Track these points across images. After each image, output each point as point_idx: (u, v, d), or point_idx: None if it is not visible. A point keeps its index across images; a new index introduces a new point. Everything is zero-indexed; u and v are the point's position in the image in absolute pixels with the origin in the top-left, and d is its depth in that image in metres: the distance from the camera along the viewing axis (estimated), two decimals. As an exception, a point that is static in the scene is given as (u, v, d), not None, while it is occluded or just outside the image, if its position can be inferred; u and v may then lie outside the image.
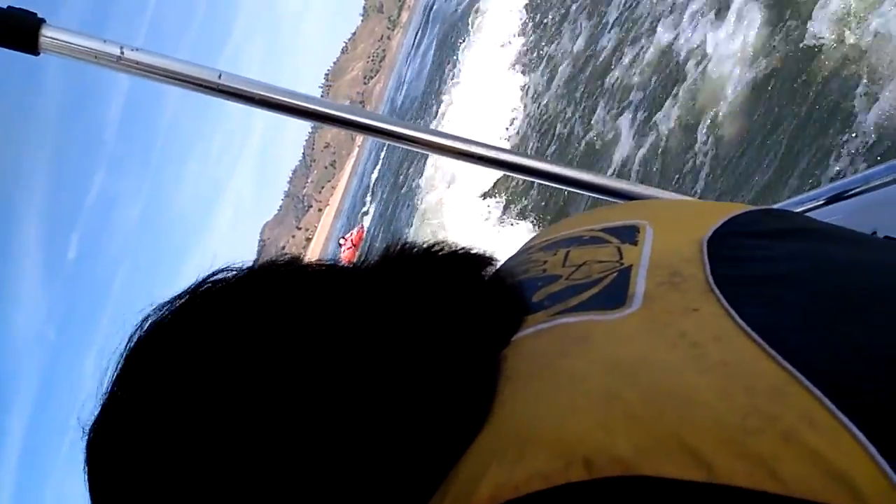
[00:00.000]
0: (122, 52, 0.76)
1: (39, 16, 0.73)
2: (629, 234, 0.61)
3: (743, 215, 0.62)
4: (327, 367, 0.45)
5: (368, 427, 0.44)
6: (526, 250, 0.69)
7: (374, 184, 33.15)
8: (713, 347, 0.43)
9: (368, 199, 32.84)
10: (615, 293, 0.52)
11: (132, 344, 0.51)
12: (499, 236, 9.86)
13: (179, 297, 0.52)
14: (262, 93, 0.83)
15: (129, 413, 0.48)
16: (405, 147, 1.00)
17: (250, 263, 0.54)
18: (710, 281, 0.50)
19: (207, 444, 0.45)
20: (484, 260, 0.58)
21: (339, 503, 0.43)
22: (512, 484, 0.38)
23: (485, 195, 11.62)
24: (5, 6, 0.69)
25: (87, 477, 0.50)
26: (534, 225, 9.17)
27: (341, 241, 29.56)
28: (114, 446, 0.48)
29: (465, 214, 12.06)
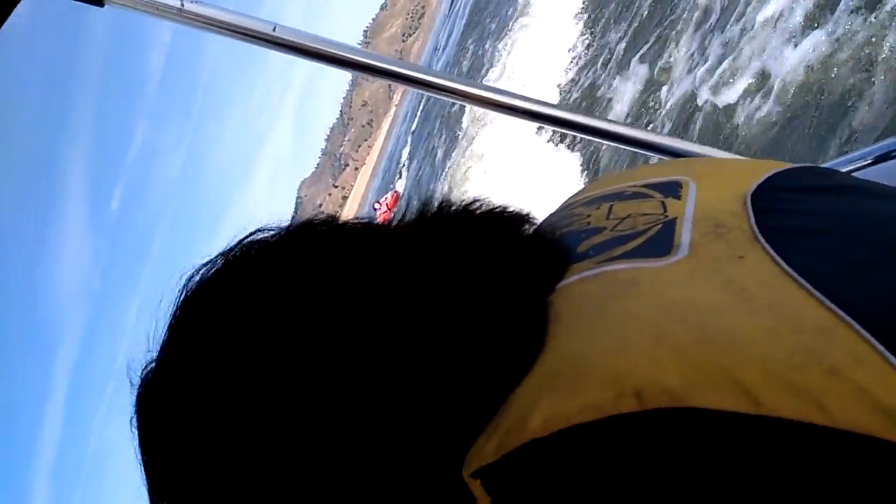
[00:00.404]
0: (182, 4, 0.77)
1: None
2: (672, 189, 0.62)
3: (785, 171, 0.62)
4: (375, 314, 0.46)
5: (422, 366, 0.45)
6: (567, 206, 0.69)
7: (410, 145, 32.98)
8: (760, 292, 0.44)
9: (405, 159, 32.74)
10: (661, 242, 0.53)
11: (177, 305, 0.51)
12: (536, 202, 9.80)
13: (221, 255, 0.52)
14: (314, 45, 0.84)
15: (177, 374, 0.49)
16: (448, 98, 1.00)
17: (287, 223, 0.54)
18: (756, 231, 0.51)
19: (257, 401, 0.46)
20: (522, 217, 0.58)
21: (396, 437, 0.44)
22: (564, 414, 0.40)
23: (523, 162, 11.47)
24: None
25: (136, 432, 0.51)
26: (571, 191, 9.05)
27: (376, 206, 29.68)
28: (162, 407, 0.50)
29: (501, 178, 11.96)
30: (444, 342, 0.46)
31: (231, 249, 0.53)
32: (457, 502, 0.44)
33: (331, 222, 0.53)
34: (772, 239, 0.50)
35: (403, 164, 32.21)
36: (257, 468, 0.46)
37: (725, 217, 0.54)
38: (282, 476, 0.46)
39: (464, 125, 16.69)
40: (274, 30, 0.81)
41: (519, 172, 11.22)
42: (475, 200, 0.56)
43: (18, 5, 0.74)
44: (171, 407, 0.49)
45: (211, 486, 0.48)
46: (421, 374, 0.45)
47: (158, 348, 0.51)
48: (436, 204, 0.55)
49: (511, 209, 0.57)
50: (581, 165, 9.10)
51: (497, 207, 0.57)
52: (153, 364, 0.51)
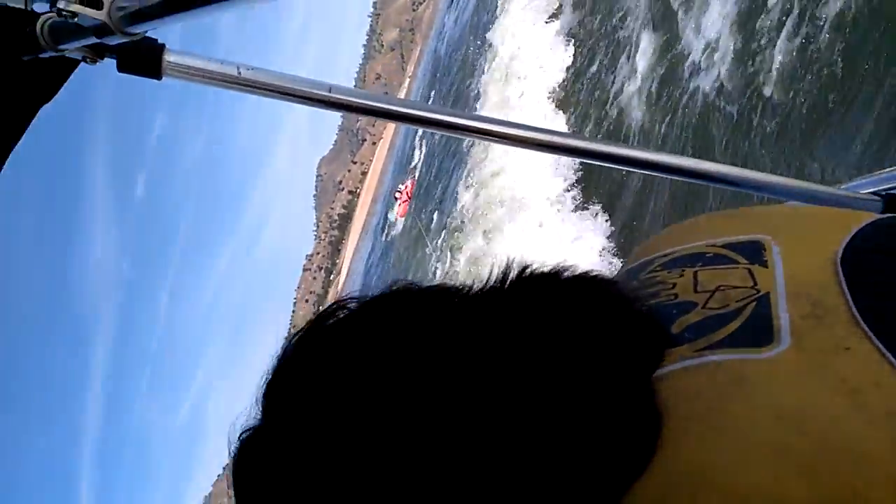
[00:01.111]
0: (239, 72, 0.80)
1: (160, 42, 0.78)
2: (756, 254, 0.60)
3: (868, 227, 0.61)
4: (483, 402, 0.45)
5: (531, 463, 0.43)
6: (645, 266, 0.67)
7: None
8: (875, 395, 0.43)
9: (420, 132, 32.44)
10: (760, 328, 0.52)
11: (272, 372, 0.52)
12: (554, 189, 9.57)
13: (302, 333, 0.53)
14: (370, 103, 0.88)
15: (274, 438, 0.50)
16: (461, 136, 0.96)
17: (370, 294, 0.54)
18: (856, 315, 0.50)
19: (353, 484, 0.45)
20: (610, 283, 0.56)
21: None
22: None
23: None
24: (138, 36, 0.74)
25: (235, 490, 0.52)
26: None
27: (396, 195, 29.71)
28: (259, 470, 0.51)
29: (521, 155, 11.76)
30: (555, 437, 0.44)
31: (322, 320, 0.52)
32: None
33: (416, 290, 0.53)
34: (873, 324, 0.49)
35: (419, 137, 31.95)
36: None
37: (820, 294, 0.53)
38: None
39: (481, 91, 16.37)
40: (329, 91, 0.85)
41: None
42: (562, 266, 0.54)
43: (70, 77, 0.77)
44: (268, 469, 0.50)
45: None
46: (527, 474, 0.43)
47: (257, 410, 0.52)
48: (520, 268, 0.54)
49: (598, 274, 0.56)
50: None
51: (588, 273, 0.55)
52: (252, 427, 0.52)
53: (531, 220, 10.13)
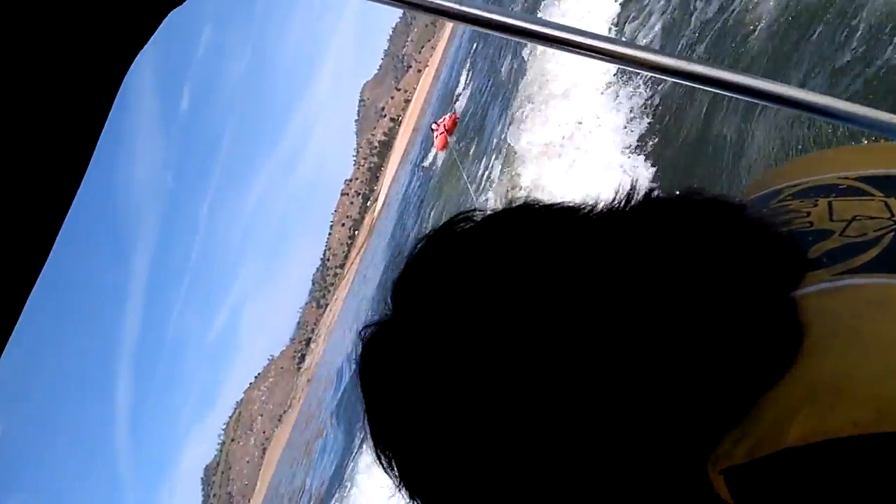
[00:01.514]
0: None
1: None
2: (892, 187, 0.61)
3: None
4: (625, 306, 0.46)
5: (665, 372, 0.45)
6: (775, 195, 0.67)
7: (472, 51, 31.75)
8: None
9: (468, 63, 31.69)
10: None
11: (404, 268, 0.54)
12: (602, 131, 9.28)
13: (430, 237, 0.55)
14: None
15: (403, 329, 0.52)
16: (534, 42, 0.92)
17: (494, 210, 0.55)
18: None
19: (485, 376, 0.47)
20: (743, 206, 0.55)
21: (637, 438, 0.45)
22: (823, 428, 0.42)
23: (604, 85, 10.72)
24: None
25: (360, 380, 0.55)
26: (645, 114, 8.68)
27: (434, 126, 28.71)
28: (388, 360, 0.53)
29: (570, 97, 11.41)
30: (703, 336, 0.46)
31: (480, 223, 0.54)
32: (694, 495, 0.46)
33: (545, 207, 0.53)
34: None
35: (466, 68, 31.33)
36: (483, 442, 0.48)
37: None
38: (509, 448, 0.47)
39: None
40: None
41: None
42: (691, 189, 0.54)
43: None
44: (395, 364, 0.52)
45: (429, 445, 0.50)
46: (677, 365, 0.45)
47: (386, 306, 0.55)
48: (645, 191, 0.53)
49: (728, 198, 0.55)
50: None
51: (717, 196, 0.54)
52: (380, 321, 0.55)
53: (572, 159, 10.01)
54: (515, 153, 13.24)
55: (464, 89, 28.98)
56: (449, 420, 0.49)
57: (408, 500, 0.53)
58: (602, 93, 9.54)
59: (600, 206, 0.53)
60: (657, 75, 0.91)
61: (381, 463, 0.54)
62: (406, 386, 0.51)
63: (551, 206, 0.53)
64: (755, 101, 0.88)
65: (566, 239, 0.50)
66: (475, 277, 0.50)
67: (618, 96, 9.10)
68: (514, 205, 0.54)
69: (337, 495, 19.20)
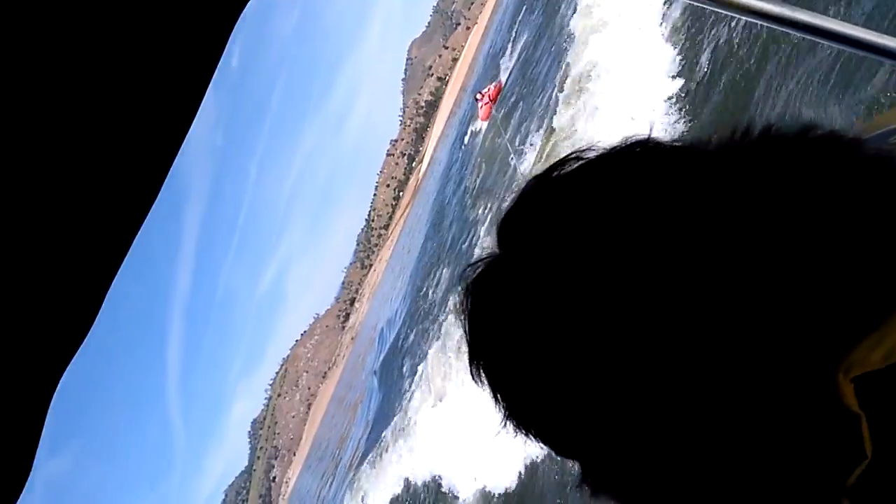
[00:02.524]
0: None
1: None
2: None
3: None
4: (725, 248, 0.46)
5: (770, 307, 0.45)
6: (890, 134, 0.66)
7: (522, 8, 30.74)
8: None
9: (517, 24, 30.81)
10: None
11: (512, 205, 0.54)
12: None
13: (550, 170, 0.54)
14: None
15: (511, 264, 0.52)
16: None
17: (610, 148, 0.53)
18: None
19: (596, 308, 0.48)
20: (858, 141, 0.54)
21: (764, 348, 0.46)
22: None
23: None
24: None
25: (466, 321, 0.55)
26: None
27: (478, 96, 28.56)
28: (495, 295, 0.53)
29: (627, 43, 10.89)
30: (836, 253, 0.46)
31: (570, 163, 0.53)
32: (819, 407, 0.45)
33: (658, 145, 0.53)
34: None
35: (515, 27, 30.43)
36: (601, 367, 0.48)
37: None
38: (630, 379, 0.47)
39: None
40: None
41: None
42: (808, 125, 0.53)
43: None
44: (503, 292, 0.52)
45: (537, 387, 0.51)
46: (810, 274, 0.45)
47: (492, 243, 0.55)
48: (762, 128, 0.52)
49: (842, 132, 0.54)
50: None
51: (833, 131, 0.53)
52: (488, 256, 0.55)
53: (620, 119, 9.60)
54: (556, 128, 12.89)
55: (511, 52, 28.31)
56: (560, 353, 0.49)
57: (515, 431, 0.54)
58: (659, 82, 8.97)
59: (715, 142, 0.52)
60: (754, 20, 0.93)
61: (492, 396, 0.54)
62: (516, 320, 0.51)
63: (664, 144, 0.53)
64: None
65: (680, 178, 0.49)
66: (586, 217, 0.49)
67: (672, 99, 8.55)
68: (628, 143, 0.53)
69: (374, 452, 19.52)
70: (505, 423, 0.54)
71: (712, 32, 8.08)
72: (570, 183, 0.52)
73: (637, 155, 0.52)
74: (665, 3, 9.76)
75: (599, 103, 11.02)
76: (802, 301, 0.45)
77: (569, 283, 0.48)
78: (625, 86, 9.88)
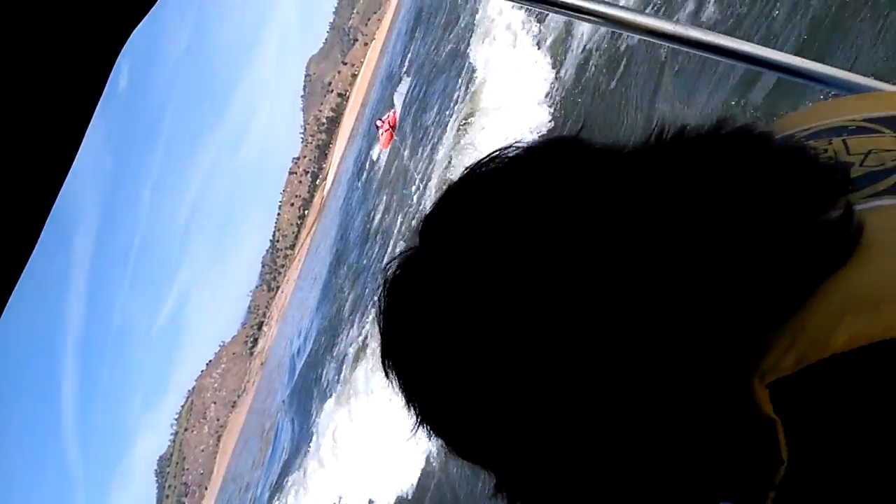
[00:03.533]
0: None
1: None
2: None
3: None
4: (668, 228, 0.47)
5: (712, 280, 0.46)
6: (789, 139, 0.68)
7: (415, 22, 31.02)
8: None
9: (414, 39, 31.04)
10: None
11: (436, 202, 0.54)
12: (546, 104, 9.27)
13: (478, 166, 0.54)
14: None
15: (430, 266, 0.52)
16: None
17: (532, 141, 0.54)
18: None
19: (514, 307, 0.47)
20: (770, 134, 0.57)
21: (677, 359, 0.46)
22: (868, 332, 0.44)
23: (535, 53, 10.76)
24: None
25: (381, 317, 0.54)
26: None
27: (378, 124, 28.30)
28: (411, 293, 0.52)
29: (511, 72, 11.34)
30: (743, 249, 0.46)
31: (491, 161, 0.54)
32: (735, 415, 0.46)
33: (575, 145, 0.53)
34: None
35: (410, 44, 30.68)
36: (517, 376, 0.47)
37: None
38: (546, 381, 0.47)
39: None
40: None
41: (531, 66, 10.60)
42: (720, 121, 0.54)
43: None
44: (412, 296, 0.52)
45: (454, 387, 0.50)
46: (720, 278, 0.46)
47: (412, 241, 0.54)
48: (674, 130, 0.54)
49: (755, 127, 0.56)
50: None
51: (745, 126, 0.55)
52: (407, 251, 0.54)
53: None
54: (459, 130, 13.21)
55: (409, 66, 28.50)
56: (474, 351, 0.49)
57: (427, 436, 0.54)
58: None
59: (632, 144, 0.54)
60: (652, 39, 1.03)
61: (403, 397, 0.53)
62: (431, 316, 0.51)
63: (583, 143, 0.53)
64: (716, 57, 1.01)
65: (596, 178, 0.50)
66: (503, 215, 0.50)
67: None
68: (549, 141, 0.54)
69: (293, 476, 19.04)
70: (417, 428, 0.54)
71: (580, 42, 8.55)
72: (491, 180, 0.52)
73: (557, 154, 0.52)
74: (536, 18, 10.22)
75: (491, 120, 11.41)
76: (713, 302, 0.46)
77: (483, 282, 0.48)
78: (510, 97, 10.29)
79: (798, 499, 0.46)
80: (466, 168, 0.55)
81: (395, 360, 0.53)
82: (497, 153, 0.54)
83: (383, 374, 0.54)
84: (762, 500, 0.47)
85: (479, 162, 0.54)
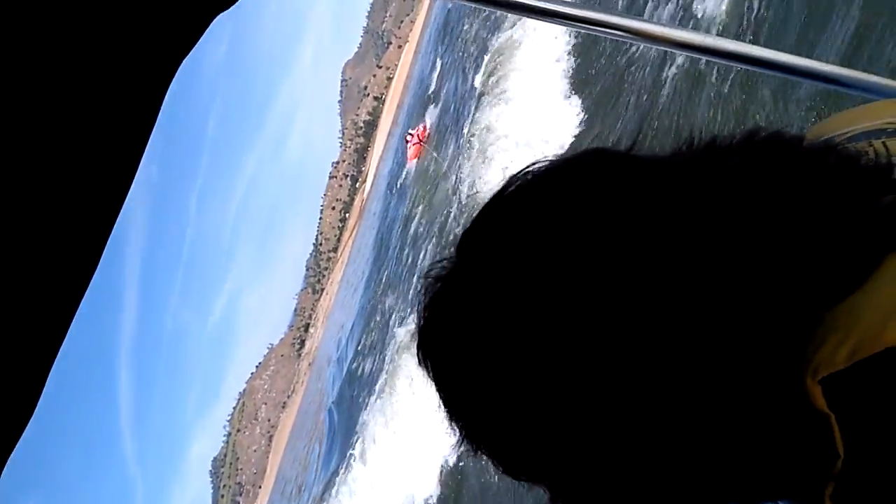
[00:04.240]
0: None
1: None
2: None
3: None
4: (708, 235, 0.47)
5: (761, 278, 0.46)
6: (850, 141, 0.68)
7: (450, 23, 30.96)
8: None
9: (444, 43, 30.89)
10: None
11: (473, 220, 0.54)
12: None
13: (508, 183, 0.54)
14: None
15: (467, 279, 0.52)
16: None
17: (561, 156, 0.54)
18: None
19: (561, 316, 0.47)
20: (801, 139, 0.56)
21: (728, 361, 0.46)
22: None
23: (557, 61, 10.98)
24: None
25: (421, 335, 0.54)
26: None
27: (407, 137, 28.14)
28: (452, 313, 0.52)
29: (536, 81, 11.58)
30: (789, 247, 0.46)
31: (520, 179, 0.54)
32: (788, 412, 0.46)
33: (610, 157, 0.53)
34: None
35: (444, 44, 30.73)
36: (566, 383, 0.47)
37: None
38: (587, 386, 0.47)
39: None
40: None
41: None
42: (752, 131, 0.54)
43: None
44: (457, 304, 0.52)
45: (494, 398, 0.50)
46: (767, 274, 0.46)
47: (451, 256, 0.54)
48: (710, 139, 0.54)
49: (787, 134, 0.55)
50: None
51: (779, 133, 0.55)
52: (445, 269, 0.54)
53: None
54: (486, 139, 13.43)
55: (441, 70, 28.35)
56: (518, 370, 0.48)
57: (470, 452, 0.53)
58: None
59: (664, 154, 0.53)
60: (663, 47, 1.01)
61: (446, 415, 0.53)
62: (473, 336, 0.50)
63: (612, 153, 0.53)
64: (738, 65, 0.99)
65: (632, 189, 0.49)
66: (542, 229, 0.50)
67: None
68: (580, 153, 0.53)
69: (341, 475, 19.53)
70: (460, 445, 0.53)
71: (599, 50, 8.67)
72: (528, 196, 0.52)
73: (590, 167, 0.52)
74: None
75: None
76: (762, 304, 0.45)
77: (525, 297, 0.48)
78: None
79: (856, 492, 0.46)
80: (501, 183, 0.54)
81: (437, 378, 0.53)
82: (530, 168, 0.54)
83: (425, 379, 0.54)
84: (820, 494, 0.47)
85: (513, 177, 0.54)
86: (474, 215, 0.55)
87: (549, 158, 0.54)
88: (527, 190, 0.53)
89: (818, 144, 0.54)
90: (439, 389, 0.53)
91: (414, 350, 0.56)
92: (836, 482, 0.46)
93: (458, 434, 0.53)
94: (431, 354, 0.54)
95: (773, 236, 0.46)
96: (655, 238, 0.46)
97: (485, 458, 0.53)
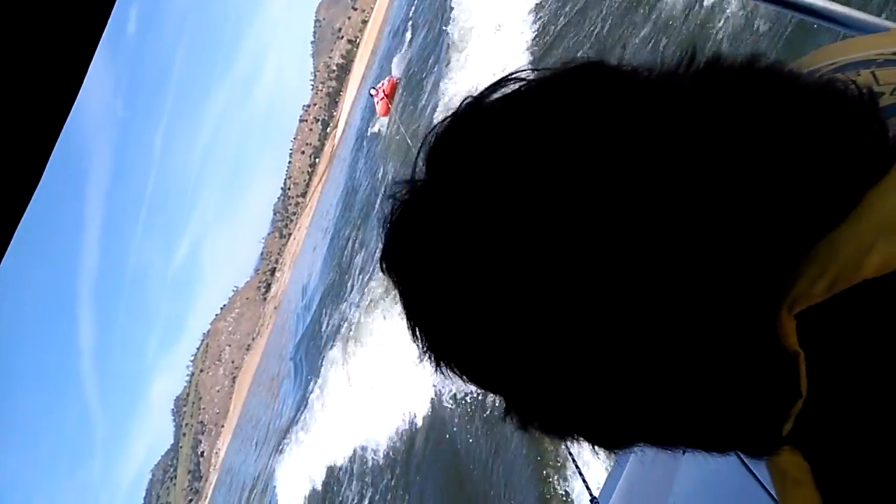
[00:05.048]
0: None
1: None
2: None
3: None
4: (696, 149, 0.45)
5: (737, 205, 0.44)
6: (814, 73, 0.66)
7: None
8: None
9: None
10: None
11: (444, 130, 0.51)
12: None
13: (486, 92, 0.51)
14: None
15: (439, 199, 0.50)
16: None
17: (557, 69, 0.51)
18: None
19: (525, 236, 0.45)
20: (797, 72, 0.54)
21: (700, 292, 0.44)
22: None
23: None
24: None
25: (388, 238, 0.52)
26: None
27: (372, 92, 27.10)
28: (420, 226, 0.50)
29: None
30: (770, 172, 0.45)
31: (499, 88, 0.51)
32: (756, 350, 0.45)
33: (597, 70, 0.51)
34: None
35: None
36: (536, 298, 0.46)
37: None
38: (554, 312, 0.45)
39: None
40: None
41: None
42: (753, 57, 0.52)
43: None
44: (428, 222, 0.50)
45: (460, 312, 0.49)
46: (750, 198, 0.44)
47: (422, 169, 0.51)
48: (709, 58, 0.51)
49: (785, 65, 0.54)
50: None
51: (775, 63, 0.53)
52: (414, 182, 0.52)
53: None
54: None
55: (415, 15, 27.55)
56: (485, 284, 0.47)
57: (435, 367, 0.52)
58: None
59: (659, 70, 0.51)
60: None
61: (410, 327, 0.53)
62: (440, 251, 0.49)
63: (608, 68, 0.50)
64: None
65: (626, 106, 0.47)
66: (524, 144, 0.47)
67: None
68: (572, 65, 0.51)
69: (301, 417, 20.00)
70: (423, 357, 0.52)
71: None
72: (510, 106, 0.49)
73: (582, 77, 0.49)
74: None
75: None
76: (742, 235, 0.44)
77: (501, 214, 0.46)
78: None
79: (815, 434, 0.46)
80: (472, 95, 0.51)
81: (404, 291, 0.52)
82: (512, 75, 0.51)
83: (385, 316, 0.78)
84: (777, 435, 0.46)
85: (490, 85, 0.51)
86: (446, 122, 0.51)
87: (533, 69, 0.51)
88: (514, 101, 0.50)
89: (811, 77, 0.53)
90: (404, 299, 0.53)
91: (381, 301, 0.64)
92: (795, 423, 0.45)
93: (421, 344, 0.52)
94: (397, 262, 0.53)
95: (758, 168, 0.45)
96: (643, 165, 0.45)
97: (447, 370, 0.52)
